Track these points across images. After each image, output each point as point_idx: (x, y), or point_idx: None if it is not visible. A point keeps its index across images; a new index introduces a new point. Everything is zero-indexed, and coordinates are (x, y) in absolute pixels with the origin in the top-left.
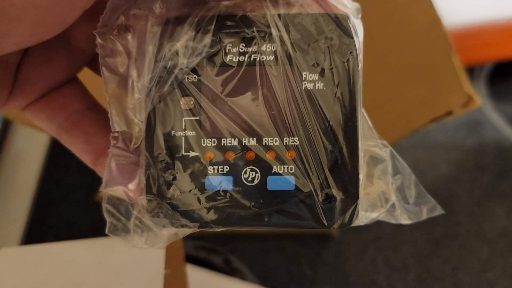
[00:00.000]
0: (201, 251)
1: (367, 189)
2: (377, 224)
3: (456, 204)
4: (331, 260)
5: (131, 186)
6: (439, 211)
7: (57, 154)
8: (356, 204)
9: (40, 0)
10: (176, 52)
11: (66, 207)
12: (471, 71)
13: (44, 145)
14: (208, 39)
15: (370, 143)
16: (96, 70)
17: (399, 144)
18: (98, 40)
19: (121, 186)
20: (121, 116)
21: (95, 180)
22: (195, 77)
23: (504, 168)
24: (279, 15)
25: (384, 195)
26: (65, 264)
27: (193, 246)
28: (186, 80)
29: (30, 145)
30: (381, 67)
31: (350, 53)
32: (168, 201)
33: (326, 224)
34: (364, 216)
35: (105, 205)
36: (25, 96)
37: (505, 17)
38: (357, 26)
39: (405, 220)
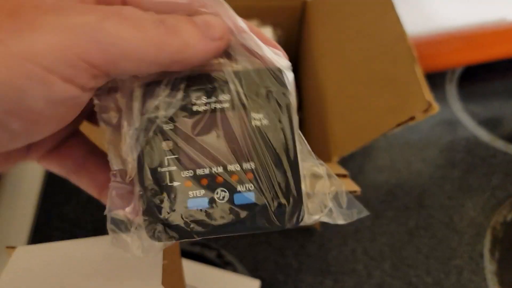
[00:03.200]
0: (196, 246)
1: (310, 199)
2: (357, 219)
3: (428, 198)
4: (314, 251)
5: (129, 209)
6: (365, 213)
7: None
8: (301, 209)
9: (60, 110)
10: (157, 106)
11: (70, 209)
12: (444, 74)
13: None
14: (180, 95)
15: (310, 163)
16: (93, 122)
17: (377, 144)
18: (95, 101)
19: (121, 210)
20: (118, 157)
21: None
22: (172, 125)
23: (473, 165)
24: (234, 72)
25: (323, 202)
26: (76, 259)
27: (188, 242)
28: (165, 127)
29: None
30: (353, 78)
31: (285, 96)
32: (160, 220)
33: (279, 225)
34: (310, 218)
35: (109, 225)
36: (39, 152)
37: (472, 25)
38: (290, 77)
39: (340, 221)
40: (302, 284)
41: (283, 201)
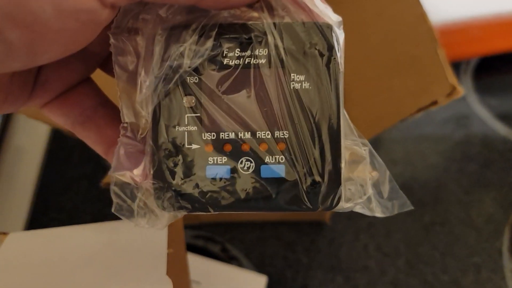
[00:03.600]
0: (199, 240)
1: (348, 182)
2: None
3: (444, 192)
4: (325, 247)
5: (137, 171)
6: (409, 206)
7: (58, 147)
8: (338, 190)
9: (72, 24)
10: (181, 54)
11: (67, 199)
12: (458, 66)
13: (44, 138)
14: (210, 43)
15: (351, 142)
16: (108, 71)
17: (390, 136)
18: (111, 40)
19: (128, 171)
20: (130, 109)
21: (96, 172)
22: (196, 78)
23: (490, 159)
24: (274, 23)
25: (363, 188)
26: (74, 246)
27: (192, 235)
28: (189, 80)
29: (31, 139)
30: (373, 61)
31: (333, 58)
32: (171, 186)
33: (311, 207)
34: (345, 204)
35: (112, 188)
36: (44, 96)
37: (489, 14)
38: (339, 36)
39: (379, 213)
40: (312, 281)
41: (317, 178)
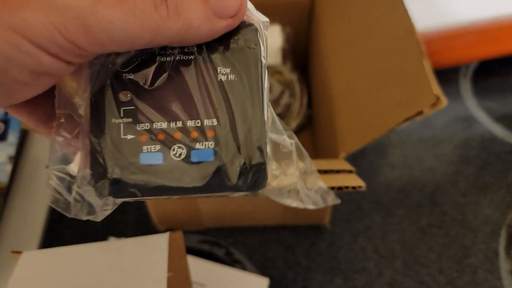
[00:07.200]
0: (205, 244)
1: (276, 171)
2: (367, 215)
3: (441, 195)
4: (324, 249)
5: (72, 165)
6: (336, 200)
7: None
8: (264, 174)
9: (43, 79)
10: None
11: None
12: (457, 70)
13: None
14: None
15: (278, 135)
16: None
17: (388, 141)
18: None
19: (63, 165)
20: (66, 101)
21: None
22: (131, 74)
23: (488, 161)
24: None
25: (291, 176)
26: (82, 267)
27: (198, 240)
28: (124, 76)
29: (47, 153)
30: (362, 74)
31: (257, 54)
32: (108, 175)
33: (240, 187)
34: (272, 183)
35: (50, 182)
36: (9, 101)
37: (486, 19)
38: (264, 35)
39: (309, 205)
40: (312, 282)
41: (244, 160)
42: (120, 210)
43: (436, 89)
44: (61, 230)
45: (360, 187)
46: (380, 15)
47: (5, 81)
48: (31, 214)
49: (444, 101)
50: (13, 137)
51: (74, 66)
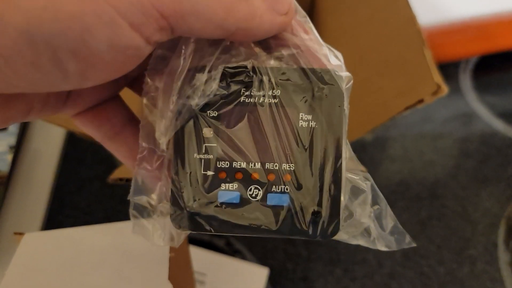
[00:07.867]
0: (205, 234)
1: (349, 216)
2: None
3: (441, 188)
4: (324, 241)
5: (154, 195)
6: (411, 243)
7: (72, 150)
8: (337, 221)
9: (120, 58)
10: (193, 93)
11: (81, 198)
12: (458, 64)
13: (60, 142)
14: (215, 85)
15: (355, 176)
16: (135, 89)
17: (388, 134)
18: (147, 78)
19: (145, 196)
20: (150, 136)
21: (108, 173)
22: (215, 112)
23: (488, 155)
24: (277, 68)
25: (361, 220)
26: (84, 248)
27: None
28: (208, 114)
29: (47, 143)
30: (364, 63)
31: (339, 102)
32: (186, 209)
33: (310, 235)
34: (343, 235)
35: (131, 211)
36: (77, 107)
37: (486, 14)
38: (347, 82)
39: (382, 246)
40: (311, 272)
41: (318, 209)
42: (122, 200)
43: (437, 77)
44: (61, 219)
45: (362, 171)
46: (381, 4)
47: (82, 54)
48: (31, 203)
49: (445, 89)
50: (13, 127)
51: (151, 46)
